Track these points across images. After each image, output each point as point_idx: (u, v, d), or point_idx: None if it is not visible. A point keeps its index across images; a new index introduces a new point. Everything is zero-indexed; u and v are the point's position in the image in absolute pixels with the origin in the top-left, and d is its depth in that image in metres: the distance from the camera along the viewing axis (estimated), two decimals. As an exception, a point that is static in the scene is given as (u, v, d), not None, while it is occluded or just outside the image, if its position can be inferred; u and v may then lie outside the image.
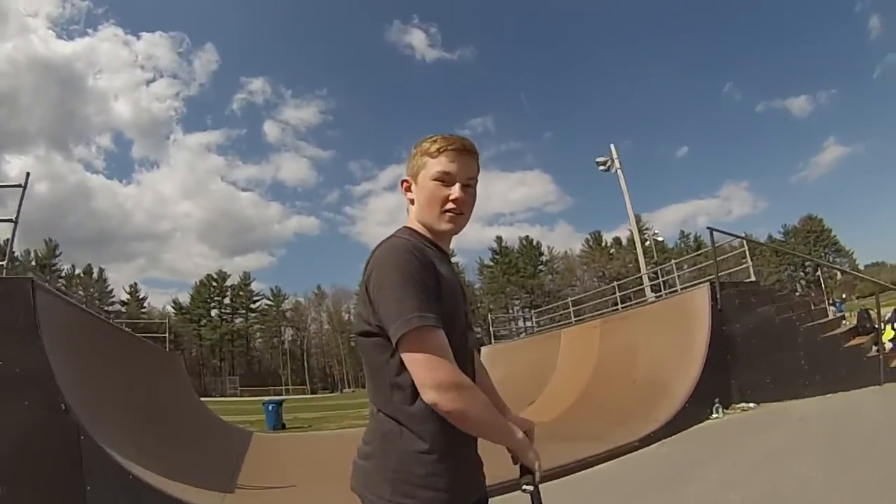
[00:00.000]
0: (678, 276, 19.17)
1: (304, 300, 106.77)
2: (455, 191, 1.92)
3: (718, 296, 10.64)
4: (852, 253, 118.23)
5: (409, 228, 1.98)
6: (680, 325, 11.07)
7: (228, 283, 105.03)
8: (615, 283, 19.25)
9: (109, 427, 7.27)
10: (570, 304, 20.44)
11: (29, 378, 6.38)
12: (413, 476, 1.78)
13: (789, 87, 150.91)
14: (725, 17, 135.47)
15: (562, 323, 20.62)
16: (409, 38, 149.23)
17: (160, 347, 18.74)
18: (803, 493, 5.29)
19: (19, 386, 6.33)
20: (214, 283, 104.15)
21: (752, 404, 10.06)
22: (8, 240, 8.37)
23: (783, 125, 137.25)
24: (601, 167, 26.93)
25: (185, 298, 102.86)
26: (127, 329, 16.37)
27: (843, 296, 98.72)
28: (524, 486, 1.94)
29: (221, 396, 68.84)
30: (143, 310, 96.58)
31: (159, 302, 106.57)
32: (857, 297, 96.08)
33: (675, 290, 16.45)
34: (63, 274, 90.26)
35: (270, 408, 20.57)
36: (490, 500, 2.04)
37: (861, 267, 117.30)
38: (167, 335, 21.86)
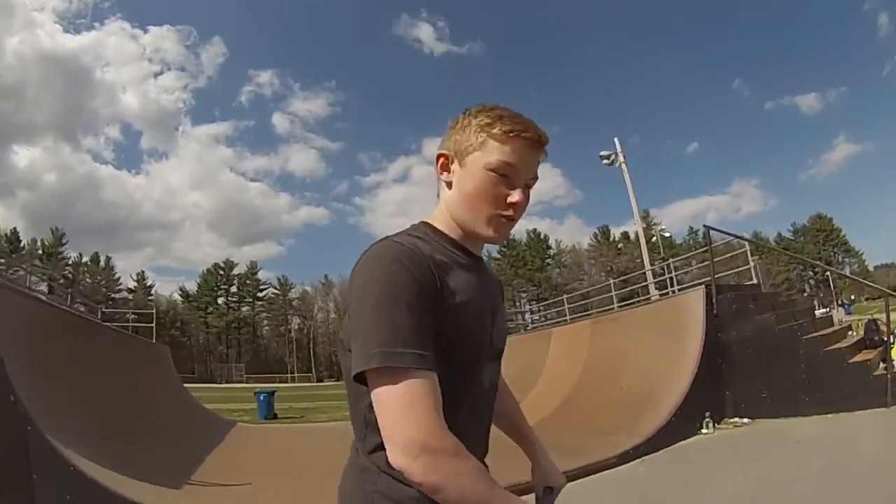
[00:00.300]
0: (684, 273, 18.33)
1: (312, 289, 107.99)
2: (517, 194, 1.45)
3: (715, 300, 9.93)
4: (862, 253, 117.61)
5: (428, 225, 1.53)
6: (673, 330, 10.37)
7: (235, 271, 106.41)
8: (611, 281, 18.40)
9: (61, 419, 7.33)
10: (566, 300, 19.67)
11: (-24, 369, 6.40)
12: None
13: (798, 84, 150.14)
14: (733, 14, 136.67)
15: (557, 320, 20.02)
16: (416, 31, 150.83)
17: (142, 339, 18.57)
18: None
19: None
20: (221, 272, 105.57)
21: (745, 420, 9.36)
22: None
23: (792, 122, 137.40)
24: (605, 161, 26.28)
25: (192, 287, 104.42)
26: (109, 323, 16.62)
27: (853, 297, 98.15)
28: None
29: (227, 383, 71.08)
30: (150, 297, 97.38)
31: (167, 290, 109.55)
32: (867, 299, 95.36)
33: (668, 292, 15.76)
34: (70, 262, 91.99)
35: (262, 397, 20.44)
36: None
37: (871, 268, 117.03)
38: (153, 325, 21.41)
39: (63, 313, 12.01)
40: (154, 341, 19.78)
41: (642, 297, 19.23)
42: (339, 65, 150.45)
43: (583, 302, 21.74)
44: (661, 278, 19.19)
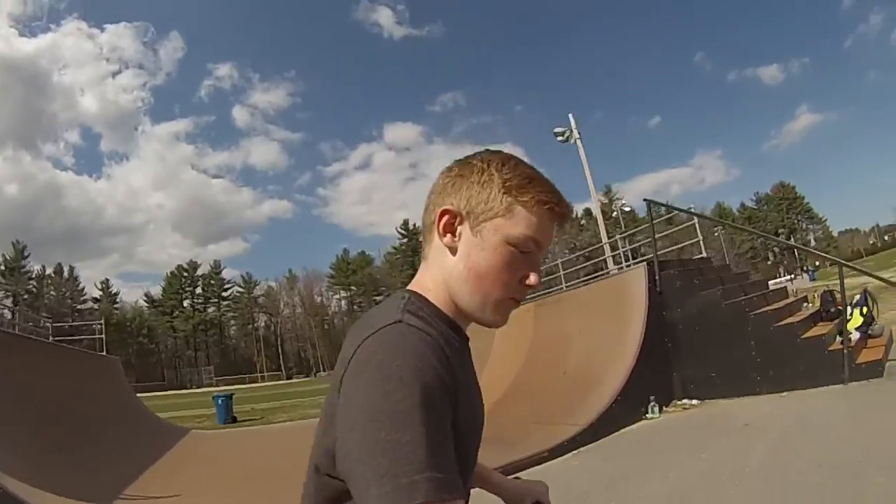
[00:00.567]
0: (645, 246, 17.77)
1: (276, 285, 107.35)
2: (535, 276, 1.16)
3: (658, 277, 9.28)
4: (825, 220, 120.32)
5: (422, 298, 1.15)
6: (615, 310, 9.75)
7: (199, 272, 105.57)
8: (559, 261, 17.67)
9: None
10: None
11: None
12: None
13: (760, 55, 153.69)
14: None
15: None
16: (376, 15, 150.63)
17: (89, 353, 18.51)
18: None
19: None
20: (185, 274, 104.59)
21: (694, 401, 8.78)
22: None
23: (755, 94, 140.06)
24: (559, 138, 25.59)
25: (158, 291, 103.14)
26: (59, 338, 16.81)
27: (817, 263, 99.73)
28: None
29: (198, 387, 69.63)
30: (116, 305, 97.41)
31: (134, 296, 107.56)
32: (832, 265, 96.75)
33: (610, 271, 15.18)
34: (33, 276, 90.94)
35: (220, 401, 20.13)
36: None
37: (835, 233, 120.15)
38: (103, 337, 21.14)
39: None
40: (104, 353, 19.51)
41: (590, 276, 18.48)
42: (298, 54, 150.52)
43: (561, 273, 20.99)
44: (616, 252, 18.90)
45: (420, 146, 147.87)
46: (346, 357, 1.02)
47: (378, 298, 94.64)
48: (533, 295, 13.42)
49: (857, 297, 9.76)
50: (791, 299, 11.44)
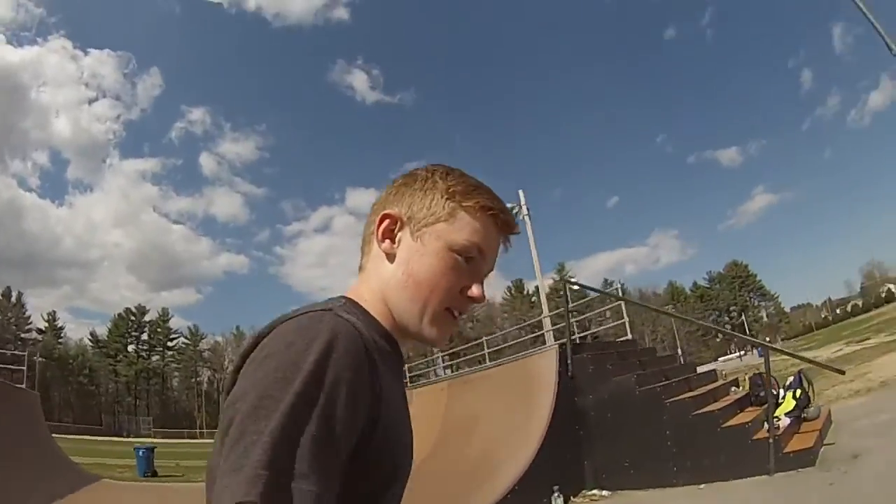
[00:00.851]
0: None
1: (223, 340, 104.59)
2: (478, 288, 1.10)
3: (570, 360, 8.76)
4: (777, 296, 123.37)
5: (355, 304, 1.05)
6: (524, 394, 9.22)
7: (147, 318, 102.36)
8: (484, 339, 17.00)
9: None
10: (441, 359, 18.57)
11: None
12: None
13: (720, 138, 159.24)
14: (660, 70, 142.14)
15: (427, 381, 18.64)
16: (351, 78, 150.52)
17: (5, 383, 17.04)
18: None
19: None
20: (133, 318, 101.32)
21: (605, 492, 8.23)
22: None
23: (713, 175, 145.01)
24: (508, 214, 25.49)
25: (104, 331, 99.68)
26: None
27: (767, 339, 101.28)
28: None
29: (136, 437, 66.62)
30: (60, 340, 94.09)
31: (80, 333, 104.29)
32: (783, 339, 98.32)
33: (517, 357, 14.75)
34: None
35: (141, 453, 19.24)
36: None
37: (787, 309, 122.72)
38: (24, 369, 19.41)
39: None
40: (24, 386, 18.12)
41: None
42: (271, 108, 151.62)
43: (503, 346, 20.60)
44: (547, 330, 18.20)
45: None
46: (260, 334, 0.92)
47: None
48: (450, 375, 12.97)
49: (791, 379, 9.28)
50: (718, 383, 10.89)
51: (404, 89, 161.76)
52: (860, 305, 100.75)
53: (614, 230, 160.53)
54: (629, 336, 12.70)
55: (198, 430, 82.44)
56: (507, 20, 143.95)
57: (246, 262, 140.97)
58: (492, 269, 1.13)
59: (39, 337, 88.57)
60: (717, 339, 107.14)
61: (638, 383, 8.53)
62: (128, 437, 66.31)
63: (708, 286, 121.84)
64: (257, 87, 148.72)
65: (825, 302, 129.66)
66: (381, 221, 1.11)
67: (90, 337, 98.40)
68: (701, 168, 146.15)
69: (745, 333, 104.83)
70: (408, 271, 1.07)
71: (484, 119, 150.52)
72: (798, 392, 8.74)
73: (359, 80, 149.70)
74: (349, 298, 1.08)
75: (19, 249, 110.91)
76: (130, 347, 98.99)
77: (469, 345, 20.54)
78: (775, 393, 8.98)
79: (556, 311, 20.11)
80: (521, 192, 26.00)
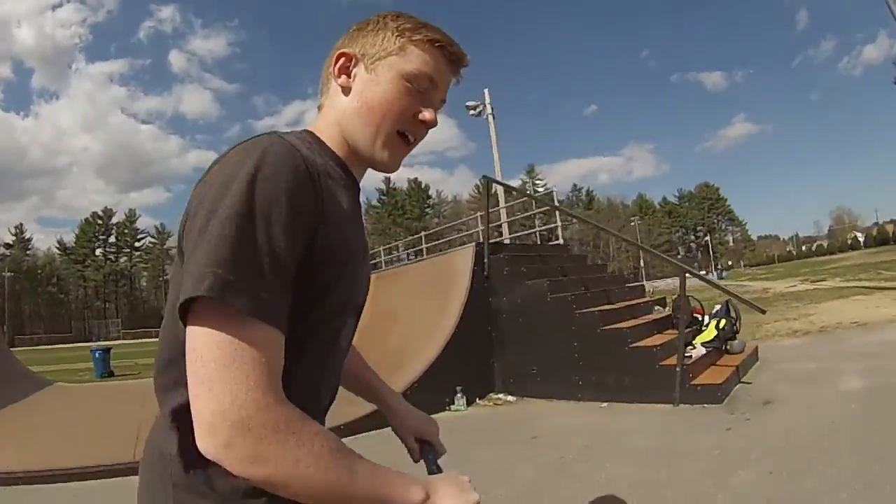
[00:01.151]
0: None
1: None
2: (429, 112, 1.16)
3: (486, 260, 8.52)
4: (745, 223, 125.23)
5: (311, 134, 1.15)
6: (441, 290, 8.98)
7: (114, 220, 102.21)
8: (423, 234, 16.78)
9: None
10: (382, 252, 18.53)
11: None
12: None
13: (706, 61, 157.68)
14: None
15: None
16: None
17: None
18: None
19: None
20: (100, 221, 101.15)
21: (511, 397, 8.10)
22: None
23: (695, 96, 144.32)
24: (472, 112, 24.85)
25: (71, 238, 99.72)
26: None
27: (730, 263, 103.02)
28: None
29: (105, 340, 67.69)
30: (28, 251, 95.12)
31: (47, 243, 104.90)
32: (746, 266, 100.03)
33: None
34: None
35: (98, 355, 19.22)
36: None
37: (754, 238, 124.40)
38: None
39: None
40: None
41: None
42: (244, 3, 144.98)
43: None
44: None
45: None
46: (205, 170, 1.00)
47: None
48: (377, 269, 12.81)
49: (718, 307, 8.88)
50: (643, 300, 10.19)
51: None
52: (825, 247, 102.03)
53: (590, 138, 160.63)
54: (560, 241, 12.57)
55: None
56: None
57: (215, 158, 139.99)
58: (444, 100, 1.20)
59: (7, 252, 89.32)
60: (677, 256, 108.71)
61: (550, 290, 8.15)
62: (97, 341, 66.77)
63: (677, 203, 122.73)
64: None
65: (792, 237, 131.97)
66: (336, 60, 1.17)
67: (58, 245, 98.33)
68: (683, 88, 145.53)
69: (710, 255, 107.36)
70: (361, 100, 1.13)
71: (459, 18, 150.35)
72: (722, 322, 8.27)
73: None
74: (307, 130, 1.17)
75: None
76: (98, 252, 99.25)
77: (414, 236, 20.36)
78: (700, 319, 8.71)
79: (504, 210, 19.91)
80: (485, 91, 25.29)
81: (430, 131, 1.19)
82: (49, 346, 39.61)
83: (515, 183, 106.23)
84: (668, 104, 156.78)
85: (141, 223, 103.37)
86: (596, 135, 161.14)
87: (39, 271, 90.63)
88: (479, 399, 8.06)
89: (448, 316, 8.16)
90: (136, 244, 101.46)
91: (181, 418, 0.96)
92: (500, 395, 8.20)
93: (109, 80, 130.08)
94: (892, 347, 8.09)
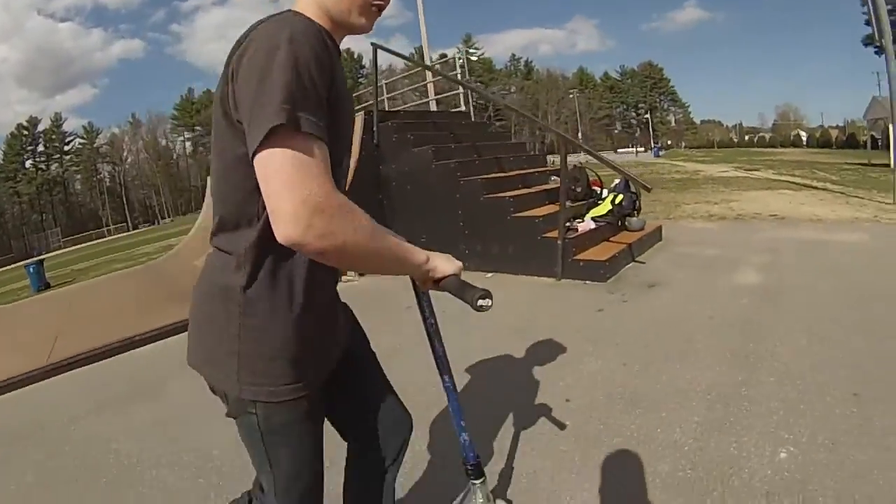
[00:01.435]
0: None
1: (119, 131, 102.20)
2: None
3: (375, 128, 8.49)
4: (688, 106, 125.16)
5: (298, 14, 1.35)
6: None
7: (41, 128, 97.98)
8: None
9: None
10: None
11: None
12: (269, 346, 1.41)
13: None
14: None
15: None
16: None
17: None
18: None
19: None
20: (26, 132, 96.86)
21: None
22: None
23: None
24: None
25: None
26: None
27: (670, 142, 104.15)
28: (480, 303, 1.52)
29: (46, 252, 65.78)
30: None
31: None
32: (687, 147, 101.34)
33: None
34: None
35: (31, 269, 19.09)
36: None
37: (697, 121, 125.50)
38: None
39: None
40: None
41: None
42: None
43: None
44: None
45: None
46: (239, 40, 1.30)
47: None
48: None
49: (617, 181, 8.70)
50: (539, 169, 9.70)
51: None
52: (766, 139, 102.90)
53: (533, 8, 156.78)
54: (462, 108, 12.31)
55: (105, 228, 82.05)
56: None
57: (141, 45, 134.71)
58: None
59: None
60: (615, 131, 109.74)
61: (435, 157, 8.13)
62: (39, 255, 65.04)
63: (619, 79, 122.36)
64: None
65: (736, 125, 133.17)
66: None
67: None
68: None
69: (650, 132, 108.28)
70: None
71: None
72: (619, 198, 8.05)
73: None
74: (292, 10, 1.37)
75: None
76: (28, 163, 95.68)
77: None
78: (598, 193, 8.63)
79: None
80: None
81: None
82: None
83: (451, 52, 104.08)
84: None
85: (68, 126, 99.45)
86: (539, 5, 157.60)
87: None
88: (367, 268, 8.06)
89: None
90: (66, 148, 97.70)
91: (248, 255, 1.36)
92: (386, 266, 8.16)
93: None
94: (800, 245, 7.88)
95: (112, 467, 3.48)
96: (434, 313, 1.98)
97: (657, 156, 64.12)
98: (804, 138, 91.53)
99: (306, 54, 1.20)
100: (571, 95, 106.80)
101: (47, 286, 18.55)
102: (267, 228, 1.28)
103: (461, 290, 1.60)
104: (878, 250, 7.27)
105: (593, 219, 7.79)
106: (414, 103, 15.17)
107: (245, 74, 1.22)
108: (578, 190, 8.54)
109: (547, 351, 4.55)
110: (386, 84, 13.21)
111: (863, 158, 31.80)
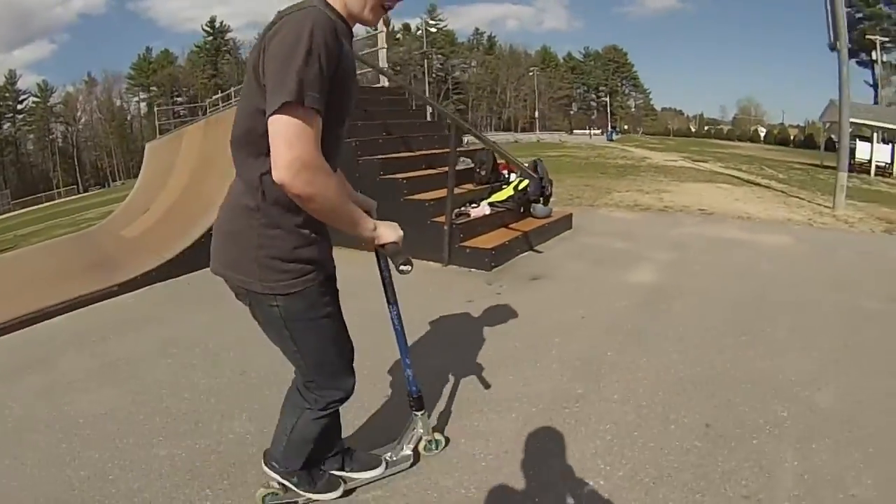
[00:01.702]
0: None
1: (74, 90, 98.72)
2: None
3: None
4: (650, 92, 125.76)
5: (326, 3, 1.92)
6: None
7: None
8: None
9: None
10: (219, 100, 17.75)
11: None
12: (282, 250, 1.94)
13: None
14: None
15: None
16: None
17: None
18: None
19: None
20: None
21: None
22: None
23: None
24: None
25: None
26: None
27: (626, 127, 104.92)
28: (401, 268, 2.12)
29: (-6, 215, 63.60)
30: None
31: None
32: (643, 133, 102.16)
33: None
34: None
35: None
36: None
37: (659, 108, 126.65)
38: None
39: None
40: None
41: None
42: None
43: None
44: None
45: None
46: (273, 22, 1.80)
47: (179, 100, 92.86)
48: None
49: (525, 166, 8.11)
50: (445, 150, 9.56)
51: None
52: (724, 132, 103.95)
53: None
54: (385, 84, 12.42)
55: (55, 191, 79.10)
56: None
57: (102, 1, 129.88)
58: None
59: None
60: (571, 112, 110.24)
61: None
62: (-15, 218, 63.48)
63: (582, 60, 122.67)
64: None
65: (697, 115, 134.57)
66: None
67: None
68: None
69: (607, 115, 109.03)
70: None
71: None
72: (524, 184, 7.85)
73: None
74: (318, 3, 1.85)
75: None
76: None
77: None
78: (506, 177, 8.45)
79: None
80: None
81: None
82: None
83: (414, 22, 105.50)
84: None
85: (23, 83, 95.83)
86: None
87: None
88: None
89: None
90: (19, 107, 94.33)
91: (264, 181, 1.86)
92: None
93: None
94: (715, 244, 7.78)
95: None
96: (389, 267, 2.54)
97: (611, 139, 64.73)
98: (762, 134, 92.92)
99: (320, 45, 1.71)
100: (531, 73, 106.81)
101: (-12, 251, 18.02)
102: None
103: (394, 255, 2.15)
104: (796, 255, 7.18)
105: (491, 204, 7.63)
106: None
107: (273, 52, 1.74)
108: (483, 173, 8.45)
109: (389, 342, 4.35)
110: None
111: (816, 159, 32.41)
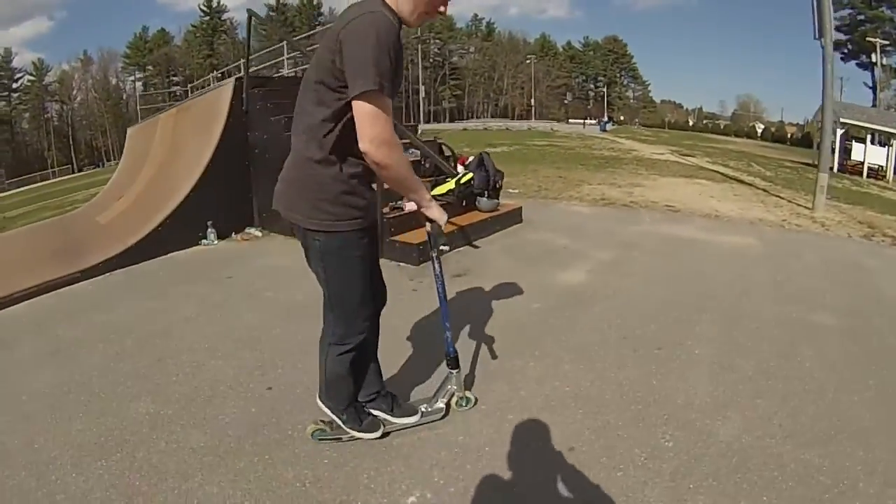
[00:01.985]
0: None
1: (70, 68, 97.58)
2: (445, 7, 2.50)
3: (245, 94, 8.55)
4: (649, 84, 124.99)
5: (386, 5, 2.36)
6: (206, 125, 8.82)
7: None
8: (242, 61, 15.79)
9: None
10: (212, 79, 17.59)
11: None
12: (330, 195, 2.43)
13: None
14: None
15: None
16: None
17: None
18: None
19: None
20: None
21: (259, 233, 8.42)
22: None
23: None
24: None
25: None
26: None
27: (623, 118, 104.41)
28: (441, 247, 2.75)
29: (-11, 195, 63.17)
30: None
31: None
32: (640, 125, 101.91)
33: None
34: None
35: None
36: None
37: (658, 101, 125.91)
38: None
39: None
40: None
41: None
42: None
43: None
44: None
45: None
46: (346, 21, 2.25)
47: (175, 79, 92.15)
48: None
49: (471, 159, 8.65)
50: (403, 142, 9.84)
51: None
52: (722, 127, 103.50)
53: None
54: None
55: (50, 171, 78.71)
56: None
57: None
58: None
59: None
60: (565, 101, 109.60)
61: (286, 127, 7.92)
62: (-19, 198, 63.02)
63: (581, 50, 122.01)
64: None
65: (696, 109, 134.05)
66: None
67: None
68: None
69: (605, 105, 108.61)
70: None
71: None
72: (468, 177, 7.08)
73: None
74: (383, 1, 2.35)
75: None
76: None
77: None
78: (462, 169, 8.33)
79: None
80: None
81: None
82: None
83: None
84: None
85: (18, 61, 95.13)
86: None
87: None
88: (236, 234, 8.31)
89: (208, 151, 8.19)
90: (14, 85, 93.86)
91: (326, 141, 2.38)
92: (251, 230, 8.45)
93: None
94: (667, 244, 7.56)
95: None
96: (436, 246, 2.84)
97: (603, 130, 64.03)
98: (759, 131, 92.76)
99: (389, 42, 2.20)
100: (529, 61, 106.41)
101: (-23, 236, 17.97)
102: (341, 128, 2.35)
103: (437, 234, 2.72)
104: (753, 258, 6.89)
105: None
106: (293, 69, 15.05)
107: (351, 43, 2.19)
108: (426, 166, 8.47)
109: (289, 338, 4.54)
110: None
111: (809, 158, 31.81)
